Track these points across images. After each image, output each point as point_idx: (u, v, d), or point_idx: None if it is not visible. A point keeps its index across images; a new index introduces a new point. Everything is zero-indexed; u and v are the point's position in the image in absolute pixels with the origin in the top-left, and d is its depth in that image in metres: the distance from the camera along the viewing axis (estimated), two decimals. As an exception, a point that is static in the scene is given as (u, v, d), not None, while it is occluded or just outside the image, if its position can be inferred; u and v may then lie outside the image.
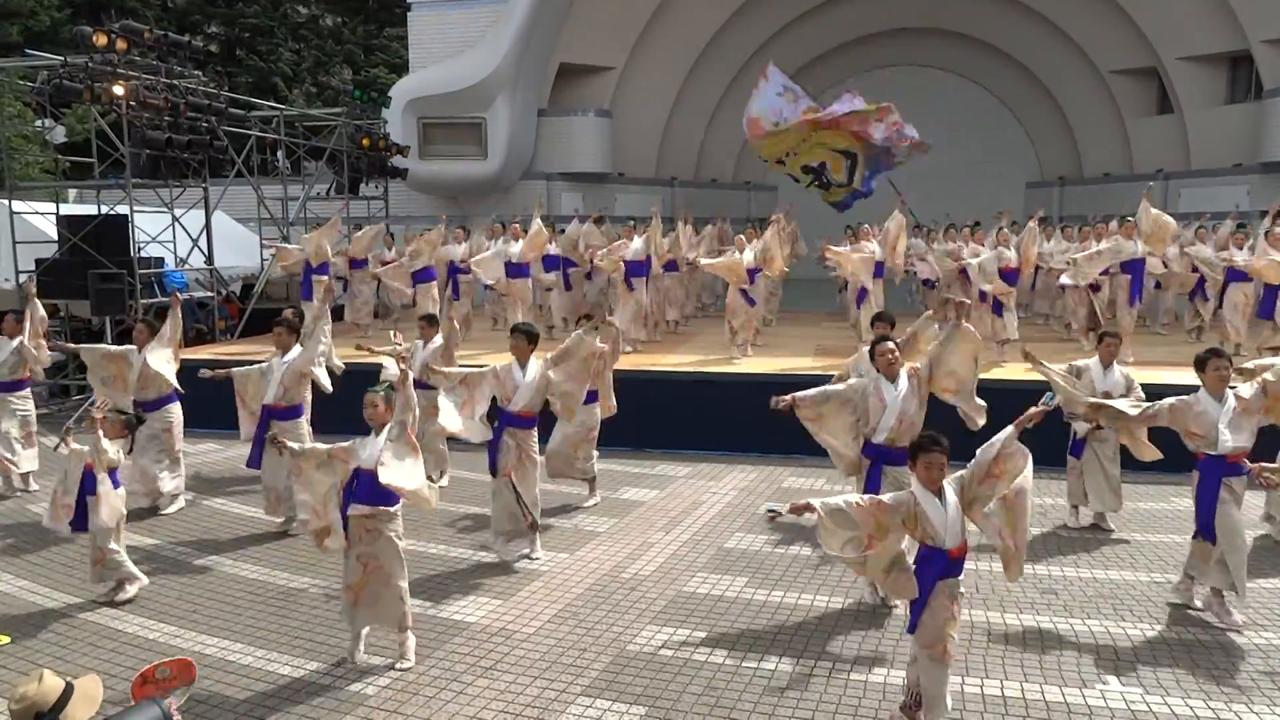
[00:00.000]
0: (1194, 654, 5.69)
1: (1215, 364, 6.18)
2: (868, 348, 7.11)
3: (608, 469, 9.73)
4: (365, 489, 5.61)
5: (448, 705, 5.17)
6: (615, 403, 8.86)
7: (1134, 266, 11.69)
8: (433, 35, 21.79)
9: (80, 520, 6.60)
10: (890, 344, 6.56)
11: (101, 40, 11.89)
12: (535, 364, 7.45)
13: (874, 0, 22.41)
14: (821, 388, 6.82)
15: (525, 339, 7.43)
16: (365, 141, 17.58)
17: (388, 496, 5.63)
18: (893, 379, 6.49)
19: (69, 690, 2.88)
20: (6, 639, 6.02)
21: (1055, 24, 22.59)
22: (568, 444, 8.58)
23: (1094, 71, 22.94)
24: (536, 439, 7.53)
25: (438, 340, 9.44)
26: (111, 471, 6.55)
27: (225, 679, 5.47)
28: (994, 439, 4.71)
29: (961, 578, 4.72)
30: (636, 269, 12.99)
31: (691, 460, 10.47)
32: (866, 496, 4.85)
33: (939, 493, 4.61)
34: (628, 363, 11.82)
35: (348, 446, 5.75)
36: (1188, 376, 10.28)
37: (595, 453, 8.89)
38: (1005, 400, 9.92)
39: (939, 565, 4.60)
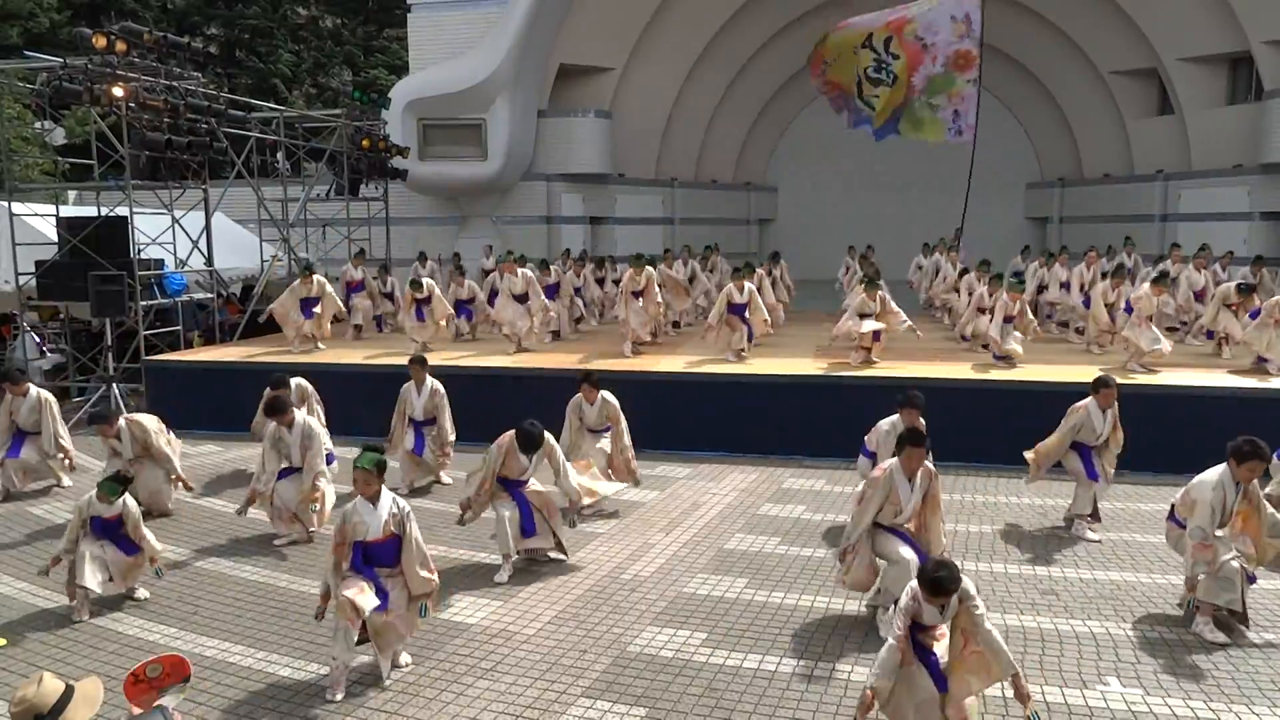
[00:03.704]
0: (1194, 655, 5.69)
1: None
2: (891, 436, 7.11)
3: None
4: (375, 553, 5.51)
5: (448, 706, 5.17)
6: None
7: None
8: (432, 36, 21.79)
9: (128, 548, 6.66)
10: (920, 451, 6.08)
11: (101, 42, 11.88)
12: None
13: (874, 2, 22.41)
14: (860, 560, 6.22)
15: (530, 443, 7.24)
16: (365, 143, 17.58)
17: (397, 553, 5.56)
18: (910, 478, 6.11)
19: (69, 692, 2.88)
20: (3, 641, 6.02)
21: (1055, 25, 22.62)
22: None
23: (1094, 72, 22.96)
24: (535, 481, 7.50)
25: (429, 384, 9.44)
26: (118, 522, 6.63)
27: (226, 680, 5.47)
28: (997, 641, 4.56)
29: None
30: (638, 293, 13.02)
31: (692, 461, 10.47)
32: (897, 638, 4.62)
33: (942, 608, 4.61)
34: (628, 365, 11.84)
35: (342, 533, 5.51)
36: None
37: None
38: (1008, 400, 10.00)
39: (920, 632, 4.69)
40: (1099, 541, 7.79)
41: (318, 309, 13.39)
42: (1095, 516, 8.04)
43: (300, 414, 8.24)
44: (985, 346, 12.17)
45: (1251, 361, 10.89)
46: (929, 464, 6.11)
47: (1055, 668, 5.52)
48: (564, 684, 5.40)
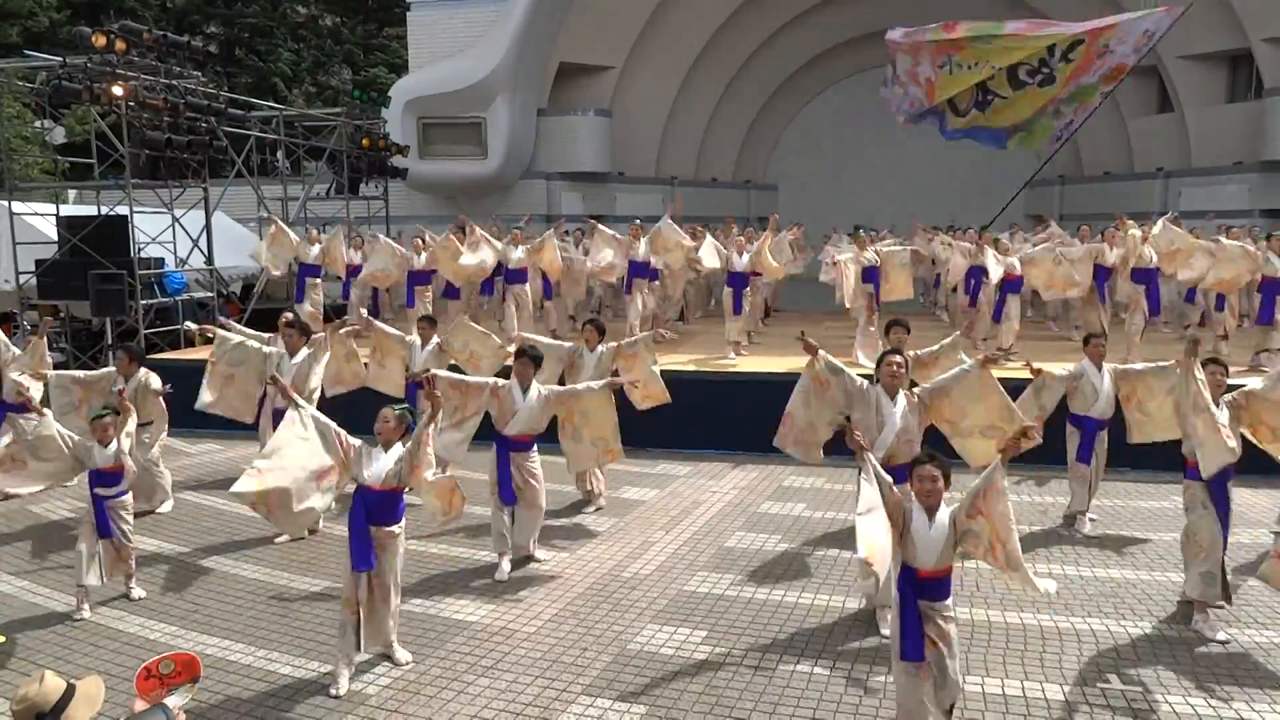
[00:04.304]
0: (1195, 652, 5.69)
1: (1212, 369, 6.20)
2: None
3: (608, 468, 9.71)
4: (373, 506, 5.52)
5: (449, 704, 5.17)
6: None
7: (1148, 276, 11.59)
8: (432, 35, 21.80)
9: (104, 526, 6.55)
10: (898, 357, 6.37)
11: (100, 41, 11.89)
12: (536, 387, 7.29)
13: (880, 4, 22.41)
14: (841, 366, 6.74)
15: (530, 363, 7.28)
16: (365, 141, 17.59)
17: (394, 514, 5.61)
18: (892, 395, 6.28)
19: (70, 691, 2.88)
20: (3, 639, 6.02)
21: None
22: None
23: (1094, 70, 22.90)
24: (536, 459, 7.36)
25: (435, 341, 9.46)
26: (118, 473, 6.60)
27: (226, 679, 5.47)
28: (983, 473, 4.54)
29: (948, 603, 4.57)
30: (641, 270, 12.98)
31: (692, 459, 10.47)
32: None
33: (932, 511, 4.51)
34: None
35: (357, 446, 5.69)
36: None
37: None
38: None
39: (907, 579, 4.53)
40: (1093, 521, 7.93)
41: (318, 284, 13.38)
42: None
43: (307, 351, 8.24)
44: (985, 339, 12.21)
45: (1251, 360, 10.89)
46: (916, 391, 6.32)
47: (1056, 665, 5.53)
48: (564, 682, 5.40)
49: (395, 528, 5.63)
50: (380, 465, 5.56)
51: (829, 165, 26.49)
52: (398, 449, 5.61)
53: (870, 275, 11.74)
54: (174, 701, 3.25)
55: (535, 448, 7.38)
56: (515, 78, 20.72)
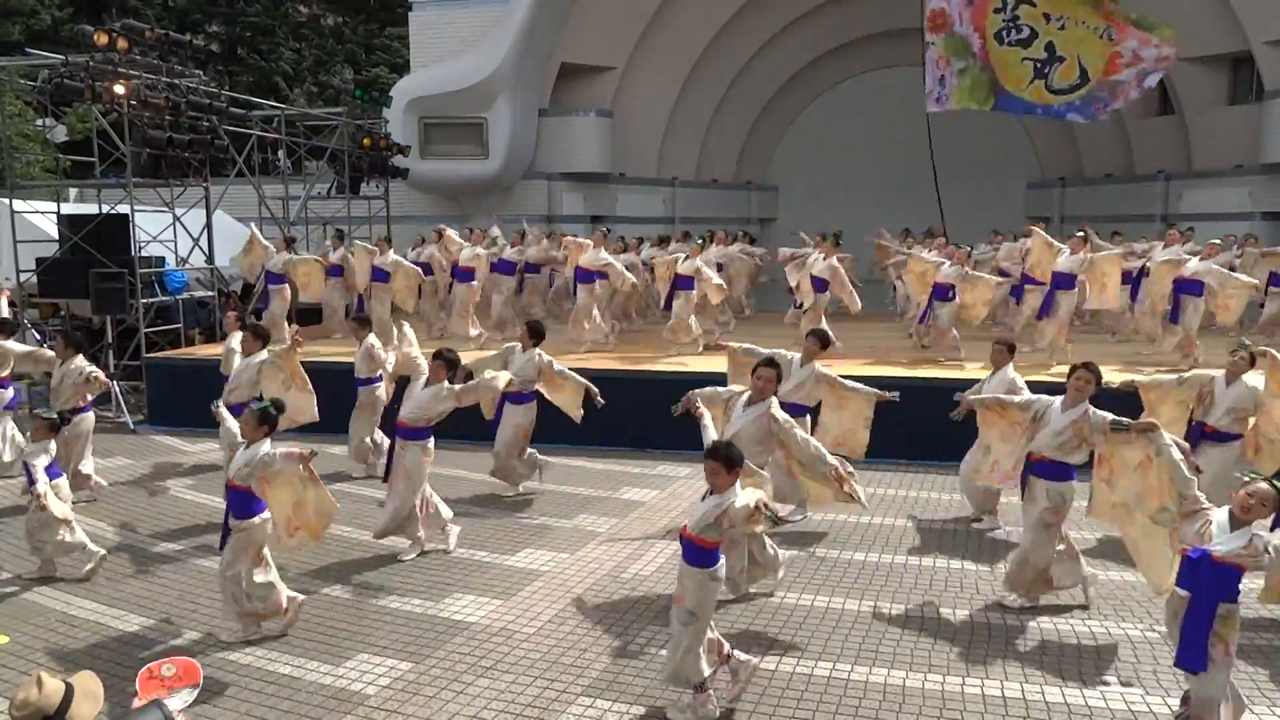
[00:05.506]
0: (1194, 655, 5.69)
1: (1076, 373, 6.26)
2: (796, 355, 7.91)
3: (608, 469, 9.74)
4: (231, 500, 6.01)
5: (448, 705, 5.17)
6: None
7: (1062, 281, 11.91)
8: (434, 35, 21.80)
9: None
10: (772, 371, 6.59)
11: (102, 39, 11.90)
12: (441, 386, 7.42)
13: (874, 0, 22.38)
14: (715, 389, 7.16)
15: (445, 366, 7.45)
16: (366, 141, 17.58)
17: (247, 509, 5.97)
18: (751, 402, 6.62)
19: (70, 690, 2.87)
20: (5, 638, 6.02)
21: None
22: (504, 448, 8.84)
23: (1095, 72, 22.88)
24: (416, 454, 7.40)
25: (371, 339, 9.53)
26: (50, 465, 7.07)
27: (225, 678, 5.47)
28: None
29: (697, 568, 4.90)
30: (586, 275, 13.04)
31: (693, 460, 10.40)
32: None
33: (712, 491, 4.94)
34: (629, 363, 11.84)
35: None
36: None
37: (532, 450, 9.02)
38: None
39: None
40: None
41: (283, 290, 13.48)
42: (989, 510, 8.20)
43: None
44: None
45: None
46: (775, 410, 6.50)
47: (1055, 667, 5.53)
48: (564, 682, 5.40)
49: (244, 523, 5.97)
50: (239, 459, 5.94)
51: (831, 166, 26.46)
52: (262, 446, 5.86)
53: (818, 284, 12.49)
54: (173, 705, 3.24)
55: (424, 444, 7.43)
56: (517, 78, 20.71)
